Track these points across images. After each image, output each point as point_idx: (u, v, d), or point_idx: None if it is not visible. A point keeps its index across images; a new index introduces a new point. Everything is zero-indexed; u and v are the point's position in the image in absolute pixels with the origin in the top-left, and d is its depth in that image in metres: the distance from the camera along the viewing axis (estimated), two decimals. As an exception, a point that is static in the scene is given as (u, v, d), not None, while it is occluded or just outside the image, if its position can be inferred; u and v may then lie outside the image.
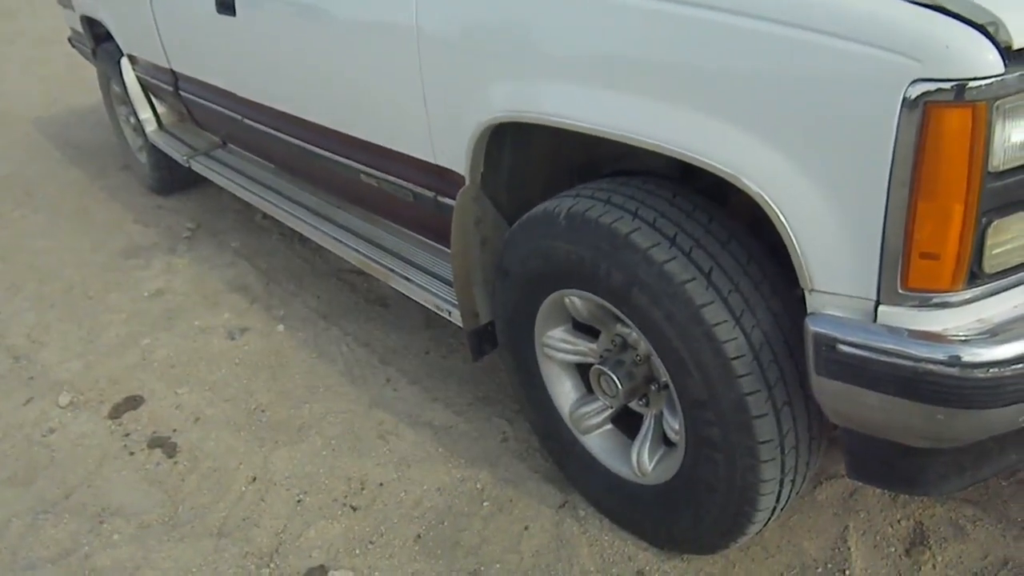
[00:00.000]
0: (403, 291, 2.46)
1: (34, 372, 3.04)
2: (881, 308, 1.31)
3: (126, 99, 4.23)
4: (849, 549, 1.91)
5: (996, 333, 1.26)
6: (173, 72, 3.54)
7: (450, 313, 2.24)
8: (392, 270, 2.50)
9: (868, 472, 1.54)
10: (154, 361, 3.03)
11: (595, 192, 1.70)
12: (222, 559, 2.13)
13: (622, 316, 1.70)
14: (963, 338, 1.26)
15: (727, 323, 1.50)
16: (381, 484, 2.30)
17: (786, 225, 1.35)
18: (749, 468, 1.59)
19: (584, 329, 1.95)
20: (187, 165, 3.82)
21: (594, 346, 1.92)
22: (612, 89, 1.55)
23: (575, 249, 1.70)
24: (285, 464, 2.43)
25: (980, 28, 1.12)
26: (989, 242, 1.23)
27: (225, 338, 3.12)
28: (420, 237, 2.59)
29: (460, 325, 2.20)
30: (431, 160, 2.09)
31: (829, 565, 1.89)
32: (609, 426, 2.01)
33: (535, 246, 1.82)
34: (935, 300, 1.27)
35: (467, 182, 1.95)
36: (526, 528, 2.09)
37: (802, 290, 1.40)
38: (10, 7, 9.74)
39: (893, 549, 1.90)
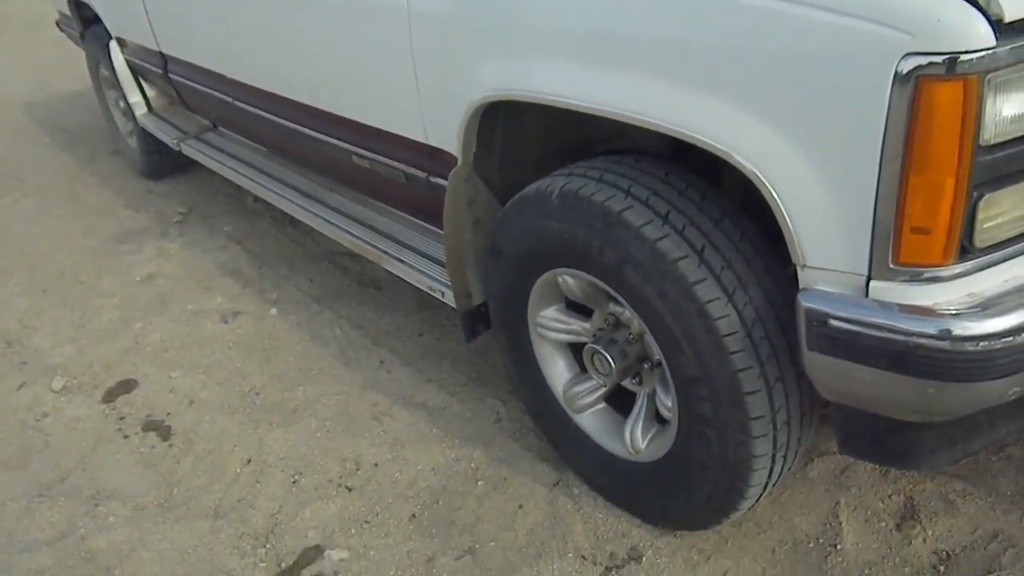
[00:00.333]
0: (396, 273, 2.46)
1: (27, 357, 3.04)
2: (872, 283, 1.31)
3: (115, 83, 4.19)
4: (840, 524, 1.93)
5: (986, 307, 1.26)
6: (162, 55, 3.52)
7: (443, 294, 2.24)
8: (385, 252, 2.50)
9: (859, 447, 1.56)
10: (147, 345, 3.02)
11: (588, 171, 1.70)
12: (218, 540, 2.14)
13: (615, 295, 1.71)
14: (954, 312, 1.26)
15: (719, 300, 1.50)
16: (376, 464, 2.31)
17: (778, 201, 1.35)
18: (741, 444, 1.60)
19: (577, 308, 1.96)
20: (178, 149, 3.79)
21: (587, 325, 1.92)
22: (604, 66, 1.54)
23: (568, 228, 1.70)
24: (280, 446, 2.44)
25: (972, 1, 1.12)
26: (980, 216, 1.24)
27: (218, 322, 3.12)
28: (412, 218, 2.59)
29: (453, 306, 2.21)
30: (423, 140, 2.08)
31: (821, 540, 1.91)
32: (602, 405, 2.02)
33: (528, 225, 1.82)
34: (926, 275, 1.28)
35: (459, 162, 1.95)
36: (520, 506, 2.11)
37: (794, 267, 1.40)
38: (-4, -9, 9.65)
39: (884, 524, 1.92)
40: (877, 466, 2.04)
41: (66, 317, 3.28)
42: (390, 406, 2.54)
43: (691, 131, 1.42)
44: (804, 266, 1.38)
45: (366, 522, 2.13)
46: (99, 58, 4.35)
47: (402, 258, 2.44)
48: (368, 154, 2.35)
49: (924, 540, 1.87)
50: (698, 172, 1.64)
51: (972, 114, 1.15)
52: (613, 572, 1.90)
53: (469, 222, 2.06)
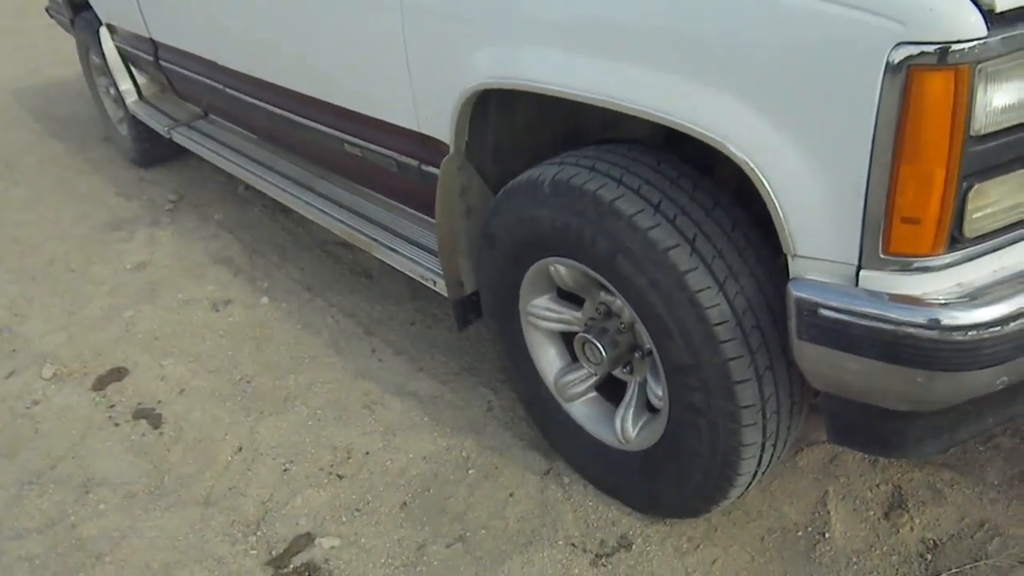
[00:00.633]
0: (387, 261, 2.46)
1: (17, 345, 3.03)
2: (863, 273, 1.32)
3: (105, 70, 4.17)
4: (829, 513, 1.94)
5: (975, 297, 1.27)
6: (153, 41, 3.50)
7: (435, 283, 2.24)
8: (376, 240, 2.50)
9: (848, 436, 1.56)
10: (138, 333, 3.02)
11: (580, 159, 1.70)
12: (209, 527, 2.14)
13: (606, 284, 1.71)
14: (943, 302, 1.27)
15: (711, 289, 1.51)
16: (367, 453, 2.32)
17: (769, 191, 1.35)
18: (731, 433, 1.60)
19: (568, 297, 1.96)
20: (168, 137, 3.78)
21: (579, 314, 1.93)
22: (597, 54, 1.54)
23: (560, 217, 1.70)
24: (271, 434, 2.43)
25: (963, -9, 1.12)
26: (970, 206, 1.24)
27: (209, 310, 3.11)
28: (404, 207, 2.59)
29: (445, 295, 2.21)
30: (415, 128, 2.08)
31: (809, 528, 1.92)
32: (593, 394, 2.03)
33: (520, 214, 1.82)
34: (916, 264, 1.28)
35: (451, 150, 1.95)
36: (511, 495, 2.11)
37: (785, 256, 1.41)
38: (-15, -23, 9.57)
39: (872, 513, 1.93)
40: (866, 455, 2.05)
41: (56, 305, 3.27)
42: (381, 395, 2.54)
43: (683, 120, 1.43)
44: (795, 255, 1.38)
45: (357, 510, 2.13)
46: (89, 45, 4.32)
47: (394, 247, 2.44)
48: (360, 142, 2.35)
49: (912, 528, 1.88)
50: (691, 162, 1.65)
51: (963, 104, 1.15)
52: (603, 560, 1.91)
53: (461, 211, 2.06)
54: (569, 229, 1.69)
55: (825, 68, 1.23)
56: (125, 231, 3.82)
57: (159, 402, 2.64)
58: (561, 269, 1.84)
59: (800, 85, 1.27)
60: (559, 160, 1.75)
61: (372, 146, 2.30)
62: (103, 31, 4.00)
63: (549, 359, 2.07)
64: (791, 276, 1.40)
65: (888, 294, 1.30)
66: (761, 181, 1.35)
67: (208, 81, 3.15)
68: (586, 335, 1.85)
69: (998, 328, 1.25)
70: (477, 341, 2.70)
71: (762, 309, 1.52)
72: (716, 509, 1.81)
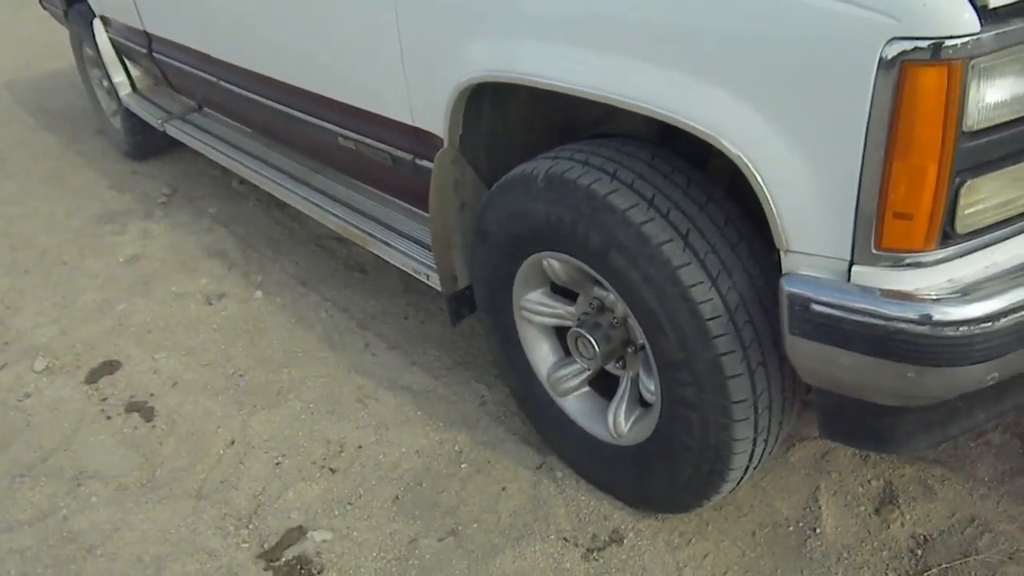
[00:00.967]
0: (381, 255, 2.46)
1: (8, 338, 3.02)
2: (855, 268, 1.32)
3: (99, 62, 4.15)
4: (820, 508, 1.95)
5: (967, 292, 1.27)
6: (147, 34, 3.49)
7: (428, 277, 2.24)
8: (370, 234, 2.49)
9: (839, 431, 1.57)
10: (131, 326, 3.01)
11: (574, 154, 1.70)
12: (200, 520, 2.13)
13: (600, 278, 1.71)
14: (934, 297, 1.27)
15: (703, 284, 1.51)
16: (360, 447, 2.31)
17: (763, 186, 1.35)
18: (723, 428, 1.61)
19: (562, 292, 1.96)
20: (162, 129, 3.76)
21: (572, 309, 1.93)
22: (592, 48, 1.54)
23: (553, 211, 1.70)
24: (264, 427, 2.43)
25: (957, -13, 1.12)
26: (962, 202, 1.24)
27: (202, 303, 3.11)
28: (399, 201, 2.58)
29: (439, 289, 2.21)
30: (409, 122, 2.08)
31: (800, 524, 1.92)
32: (586, 388, 2.03)
33: (513, 208, 1.82)
34: (908, 260, 1.28)
35: (445, 144, 1.94)
36: (503, 489, 2.11)
37: (778, 251, 1.41)
38: (-21, -32, 9.52)
39: (863, 508, 1.94)
40: (857, 451, 2.06)
41: (49, 298, 3.26)
42: (375, 389, 2.54)
43: (677, 115, 1.43)
44: (787, 251, 1.38)
45: (349, 504, 2.13)
46: (83, 37, 4.30)
47: (388, 241, 2.43)
48: (354, 136, 2.34)
49: (902, 524, 1.89)
50: (684, 156, 1.65)
51: (956, 100, 1.16)
52: (595, 554, 1.91)
53: (455, 205, 2.06)
54: (563, 223, 1.69)
55: (819, 63, 1.23)
56: (118, 224, 3.81)
57: (152, 395, 2.63)
58: (554, 264, 1.84)
59: (794, 80, 1.27)
60: (553, 154, 1.75)
61: (366, 140, 2.30)
62: (97, 23, 3.99)
63: (542, 354, 2.07)
64: (784, 271, 1.40)
65: (880, 289, 1.30)
66: (754, 176, 1.35)
67: (202, 74, 3.14)
68: (579, 330, 1.85)
69: (989, 324, 1.25)
70: (471, 336, 2.70)
71: (755, 304, 1.53)
72: (708, 504, 1.82)
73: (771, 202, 1.36)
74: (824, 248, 1.34)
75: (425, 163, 2.08)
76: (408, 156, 2.17)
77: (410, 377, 2.57)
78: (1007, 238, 1.31)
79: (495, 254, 1.95)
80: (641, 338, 1.70)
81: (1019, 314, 1.26)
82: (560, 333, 2.02)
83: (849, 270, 1.32)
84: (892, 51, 1.14)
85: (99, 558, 2.07)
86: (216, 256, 3.43)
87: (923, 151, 1.19)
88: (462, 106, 1.86)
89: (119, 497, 2.24)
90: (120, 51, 4.00)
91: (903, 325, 1.27)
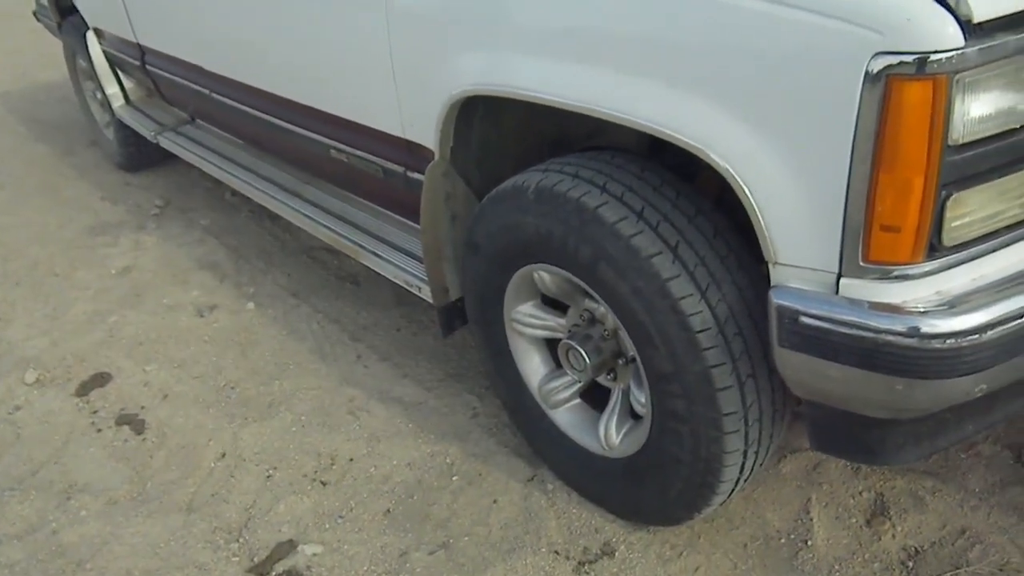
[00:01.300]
0: (373, 267, 2.46)
1: (-1, 349, 3.01)
2: (843, 281, 1.32)
3: (92, 74, 4.15)
4: (812, 520, 1.95)
5: (954, 305, 1.28)
6: (140, 46, 3.49)
7: (420, 289, 2.24)
8: (362, 246, 2.49)
9: (829, 443, 1.57)
10: (122, 338, 3.00)
11: (563, 167, 1.70)
12: (191, 534, 2.12)
13: (590, 291, 1.71)
14: (922, 310, 1.28)
15: (693, 296, 1.51)
16: (351, 459, 2.31)
17: (751, 199, 1.36)
18: (713, 440, 1.61)
19: (553, 304, 1.96)
20: (155, 141, 3.76)
21: (563, 321, 1.93)
22: (581, 63, 1.55)
23: (543, 224, 1.70)
24: (255, 440, 2.43)
25: (941, 1, 1.13)
26: (948, 215, 1.25)
27: (194, 315, 3.10)
28: (390, 213, 2.58)
29: (430, 301, 2.20)
30: (400, 135, 2.08)
31: (792, 536, 1.92)
32: (577, 400, 2.03)
33: (504, 221, 1.82)
34: (895, 273, 1.29)
35: (436, 157, 1.95)
36: (495, 501, 2.11)
37: (767, 264, 1.41)
38: (-27, -20, 9.52)
39: (854, 520, 1.94)
40: (848, 462, 2.06)
41: (40, 309, 3.25)
42: (366, 401, 2.53)
43: (666, 128, 1.43)
44: (776, 263, 1.39)
45: (340, 517, 2.13)
46: (76, 49, 4.31)
47: (379, 253, 2.43)
48: (345, 148, 2.35)
49: (893, 536, 1.89)
50: (674, 169, 1.65)
51: (941, 114, 1.16)
52: (586, 567, 1.91)
53: (446, 217, 2.06)
54: (553, 236, 1.69)
55: (805, 77, 1.24)
56: (110, 236, 3.80)
57: (142, 408, 2.62)
58: (545, 276, 1.84)
59: (781, 94, 1.28)
60: (543, 167, 1.75)
61: (357, 152, 2.30)
62: (90, 35, 3.99)
63: (533, 366, 2.07)
64: (772, 284, 1.41)
65: (868, 302, 1.31)
66: (742, 189, 1.36)
67: (195, 86, 3.14)
68: (570, 342, 1.85)
69: (976, 336, 1.26)
70: (462, 347, 2.70)
71: (744, 316, 1.53)
72: (699, 516, 1.82)
73: (759, 215, 1.36)
74: (812, 260, 1.35)
75: (416, 175, 2.09)
76: (399, 168, 2.17)
77: (402, 389, 2.56)
78: (994, 250, 1.32)
79: (486, 266, 1.96)
80: (631, 350, 1.70)
81: (1006, 326, 1.27)
82: (551, 345, 2.02)
83: (837, 282, 1.33)
84: (877, 65, 1.15)
85: (88, 572, 2.05)
86: (208, 268, 3.43)
87: (909, 164, 1.20)
88: (453, 119, 1.86)
89: (109, 511, 2.23)
90: (113, 63, 4.00)
91: (891, 337, 1.27)
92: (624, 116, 1.49)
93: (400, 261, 2.37)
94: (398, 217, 2.55)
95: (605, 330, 1.82)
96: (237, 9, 2.57)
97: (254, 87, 2.67)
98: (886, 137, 1.19)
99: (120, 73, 4.06)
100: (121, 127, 4.17)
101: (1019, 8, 1.16)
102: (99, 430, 2.55)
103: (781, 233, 1.36)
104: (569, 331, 1.90)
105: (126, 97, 4.11)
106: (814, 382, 1.44)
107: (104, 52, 3.99)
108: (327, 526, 2.10)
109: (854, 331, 1.31)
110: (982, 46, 1.15)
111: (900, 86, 1.15)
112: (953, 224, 1.26)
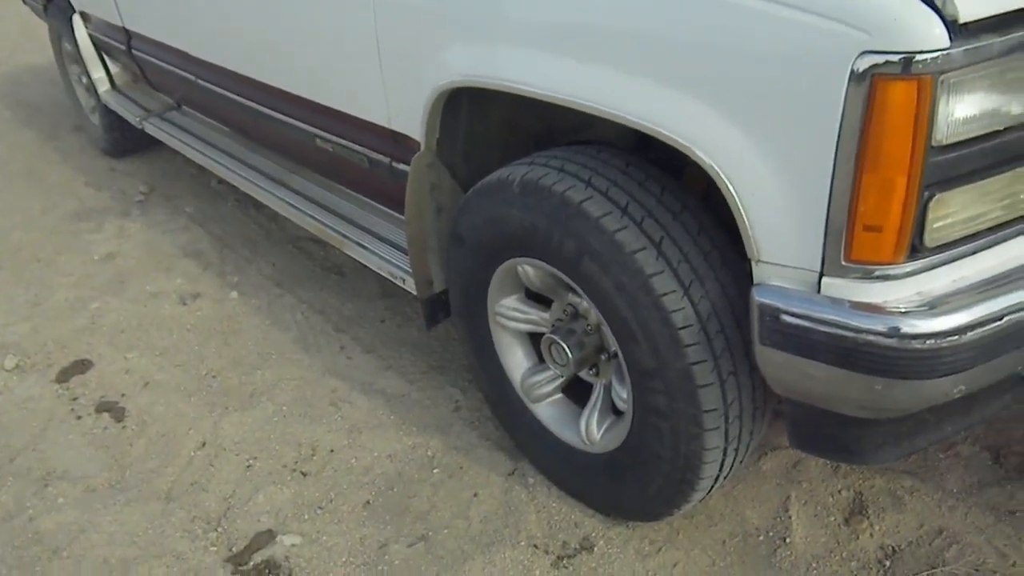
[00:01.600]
0: (357, 258, 2.44)
1: (-21, 334, 2.98)
2: (825, 280, 1.32)
3: (78, 58, 4.11)
4: (790, 518, 1.95)
5: (934, 306, 1.28)
6: (126, 30, 3.46)
7: (404, 281, 2.23)
8: (347, 237, 2.48)
9: (808, 442, 1.57)
10: (103, 325, 2.98)
11: (549, 160, 1.70)
12: (169, 523, 2.11)
13: (574, 285, 1.71)
14: (903, 310, 1.28)
15: (676, 293, 1.51)
16: (332, 450, 2.30)
17: (735, 196, 1.36)
18: (694, 437, 1.61)
19: (536, 298, 1.96)
20: (140, 127, 3.73)
21: (546, 315, 1.92)
22: (570, 56, 1.54)
23: (528, 217, 1.70)
24: (235, 430, 2.41)
25: (928, 2, 1.13)
26: (931, 216, 1.25)
27: (177, 303, 3.08)
28: (376, 204, 2.57)
29: (414, 293, 2.20)
30: (386, 125, 2.07)
31: (771, 533, 1.93)
32: (559, 395, 2.03)
33: (489, 214, 1.81)
34: (877, 272, 1.29)
35: (422, 148, 1.94)
36: (475, 495, 2.11)
37: (750, 262, 1.41)
38: (-40, -40, 9.41)
39: (833, 518, 1.95)
40: (828, 461, 2.06)
41: (21, 295, 3.22)
42: (348, 392, 2.52)
43: (652, 124, 1.43)
44: (759, 261, 1.39)
45: (319, 508, 2.12)
46: (62, 32, 4.26)
47: (364, 244, 2.42)
48: (331, 137, 2.33)
49: (871, 535, 1.90)
50: (660, 165, 1.65)
51: (925, 114, 1.16)
52: (565, 562, 1.91)
53: (431, 209, 2.05)
54: (537, 230, 1.69)
55: (791, 75, 1.23)
56: (94, 222, 3.77)
57: (123, 395, 2.60)
58: (529, 270, 1.83)
59: (766, 91, 1.28)
60: (529, 160, 1.74)
61: (343, 142, 2.29)
62: (76, 19, 3.95)
63: (516, 359, 2.06)
64: (755, 281, 1.41)
65: (849, 301, 1.31)
66: (727, 186, 1.36)
67: (181, 72, 3.12)
68: (553, 336, 1.85)
69: (956, 337, 1.26)
70: (446, 340, 2.69)
71: (726, 314, 1.53)
72: (678, 512, 1.82)
73: (743, 212, 1.36)
74: (795, 259, 1.34)
75: (402, 166, 2.07)
76: (385, 159, 2.16)
77: (384, 381, 2.56)
78: (975, 252, 1.32)
79: (470, 259, 1.95)
80: (614, 345, 1.69)
81: (986, 328, 1.27)
82: (534, 339, 2.02)
83: (819, 281, 1.33)
84: (863, 64, 1.15)
85: (65, 560, 2.04)
86: (192, 256, 3.40)
87: (892, 164, 1.20)
88: (439, 110, 1.85)
89: (87, 498, 2.22)
90: (99, 47, 3.96)
91: (871, 337, 1.27)
92: (610, 111, 1.48)
93: (385, 252, 2.36)
94: (383, 208, 2.53)
95: (588, 325, 1.81)
96: (224, -5, 2.55)
97: (240, 74, 2.65)
98: (870, 136, 1.19)
99: (106, 57, 4.01)
100: (107, 112, 4.13)
101: (1005, 9, 1.16)
102: (79, 417, 2.53)
103: (764, 231, 1.36)
104: (552, 325, 1.90)
105: (112, 82, 4.07)
106: (794, 380, 1.44)
107: (90, 36, 3.95)
108: (306, 517, 2.10)
109: (835, 330, 1.31)
110: (967, 47, 1.15)
111: (885, 86, 1.15)
112: (935, 225, 1.26)
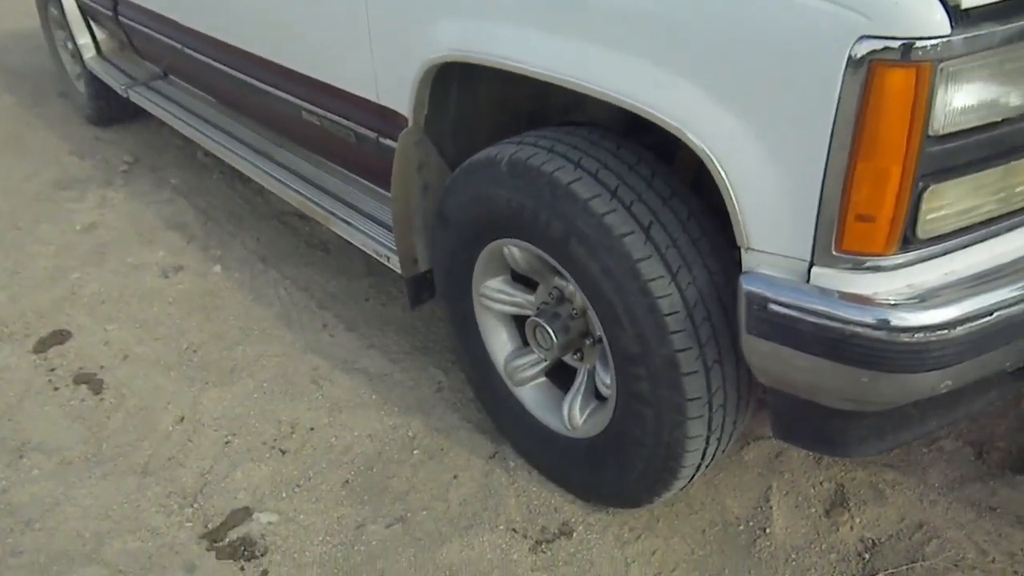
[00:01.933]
0: (342, 235, 2.41)
1: (-45, 302, 2.94)
2: (814, 269, 1.30)
3: (64, 23, 4.04)
4: (771, 508, 1.94)
5: (924, 299, 1.26)
6: (113, -5, 3.39)
7: (389, 259, 2.20)
8: (332, 213, 2.45)
9: (791, 432, 1.56)
10: (83, 296, 2.94)
11: (539, 140, 1.67)
12: (144, 498, 2.09)
13: (560, 268, 1.68)
14: (892, 302, 1.26)
15: (663, 279, 1.49)
16: (312, 429, 2.27)
17: (726, 181, 1.33)
18: (677, 424, 1.59)
19: (522, 280, 1.93)
20: (126, 96, 3.67)
21: (531, 298, 1.90)
22: (561, 33, 1.51)
23: (515, 197, 1.67)
24: (215, 405, 2.38)
25: (929, -13, 1.10)
26: (924, 207, 1.23)
27: (159, 276, 3.04)
28: (362, 180, 2.53)
29: (399, 272, 2.17)
30: (374, 99, 2.03)
31: (751, 523, 1.92)
32: (542, 379, 2.00)
33: (475, 193, 1.78)
34: (868, 263, 1.27)
35: (410, 124, 1.90)
36: (455, 477, 2.09)
37: (739, 249, 1.39)
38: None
39: (814, 510, 1.94)
40: (810, 453, 2.05)
41: (0, 263, 3.17)
42: (330, 370, 2.49)
43: (644, 105, 1.40)
44: (748, 248, 1.36)
45: (298, 486, 2.10)
46: (48, -4, 4.19)
47: (349, 220, 2.39)
48: (318, 111, 2.29)
49: (851, 527, 1.89)
50: (652, 149, 1.62)
51: (923, 102, 1.14)
52: (543, 546, 1.89)
53: (418, 187, 2.02)
54: (524, 210, 1.66)
55: (787, 59, 1.21)
56: (76, 191, 3.72)
57: (101, 367, 2.57)
58: (515, 251, 1.80)
59: (761, 75, 1.25)
60: (518, 140, 1.71)
61: (330, 115, 2.25)
62: (62, -18, 3.88)
63: (500, 342, 2.04)
64: (743, 269, 1.38)
65: (838, 292, 1.28)
66: (718, 171, 1.33)
67: (168, 40, 3.06)
68: (538, 319, 1.82)
69: (945, 331, 1.24)
70: (431, 320, 2.66)
71: (713, 301, 1.51)
72: (659, 500, 1.80)
73: (734, 198, 1.33)
74: (785, 247, 1.32)
75: (389, 142, 2.04)
76: (372, 134, 2.12)
77: (367, 360, 2.53)
78: (967, 246, 1.30)
79: (456, 239, 1.92)
80: (599, 330, 1.67)
81: (975, 323, 1.25)
82: (519, 322, 1.99)
83: (809, 271, 1.31)
84: (861, 50, 1.12)
85: (37, 532, 2.01)
86: (175, 228, 3.36)
87: (888, 153, 1.17)
88: (428, 85, 1.82)
89: (62, 471, 2.19)
90: (86, 13, 3.90)
91: (860, 329, 1.25)
92: (603, 90, 1.45)
93: (370, 230, 2.33)
94: (369, 184, 2.50)
95: (573, 309, 1.79)
96: (212, -38, 2.50)
97: (228, 44, 2.60)
98: (866, 124, 1.16)
99: (92, 23, 3.95)
100: (92, 80, 4.06)
101: (1007, -4, 1.14)
102: (56, 388, 2.49)
103: (755, 218, 1.33)
104: (537, 308, 1.87)
105: (98, 49, 4.00)
106: (780, 371, 1.42)
107: (76, 1, 3.87)
108: (284, 495, 2.07)
109: (823, 321, 1.29)
110: (968, 35, 1.12)
111: (883, 72, 1.12)
112: (929, 216, 1.24)
